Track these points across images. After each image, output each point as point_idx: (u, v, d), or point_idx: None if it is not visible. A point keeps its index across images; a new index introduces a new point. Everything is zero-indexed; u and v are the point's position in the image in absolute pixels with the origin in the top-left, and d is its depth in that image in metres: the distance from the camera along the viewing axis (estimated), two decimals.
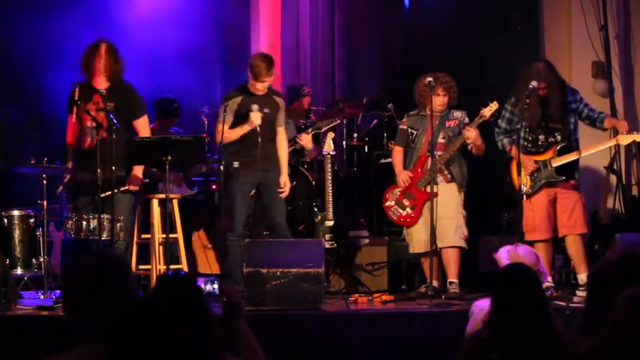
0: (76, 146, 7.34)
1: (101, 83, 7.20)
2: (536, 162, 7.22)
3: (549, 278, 7.11)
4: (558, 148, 7.23)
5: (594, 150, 7.37)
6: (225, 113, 7.34)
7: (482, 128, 7.38)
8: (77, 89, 7.19)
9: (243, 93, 7.43)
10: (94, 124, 7.13)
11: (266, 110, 7.37)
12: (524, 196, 7.18)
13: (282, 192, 7.47)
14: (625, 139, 7.32)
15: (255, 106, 7.28)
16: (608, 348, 2.70)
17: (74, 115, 7.23)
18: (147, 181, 7.60)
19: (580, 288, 7.09)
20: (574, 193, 7.27)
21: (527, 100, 7.15)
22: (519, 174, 7.13)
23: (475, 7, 9.90)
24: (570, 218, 7.21)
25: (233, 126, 7.38)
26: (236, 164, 7.38)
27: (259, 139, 7.24)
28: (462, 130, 7.38)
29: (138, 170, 7.34)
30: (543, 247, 7.18)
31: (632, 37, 9.21)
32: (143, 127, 7.36)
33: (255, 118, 7.25)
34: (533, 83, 7.12)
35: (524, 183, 7.17)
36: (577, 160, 7.34)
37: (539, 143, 7.26)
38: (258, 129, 7.23)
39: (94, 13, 10.07)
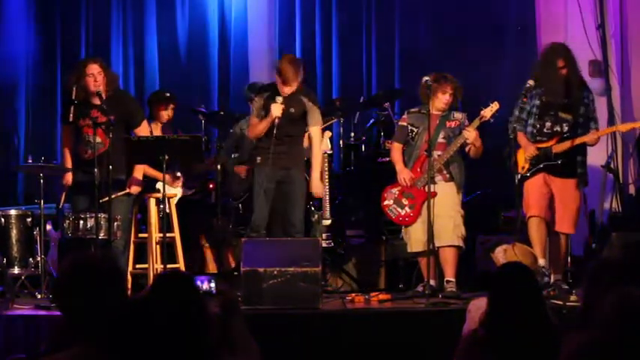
0: (75, 155, 7.39)
1: (96, 99, 7.21)
2: (538, 149, 7.19)
3: (541, 261, 7.07)
4: (562, 137, 7.19)
5: (595, 136, 7.27)
6: (255, 108, 7.40)
7: (481, 130, 7.38)
8: (75, 88, 7.20)
9: (271, 90, 7.42)
10: (97, 140, 7.13)
11: (291, 110, 7.32)
12: (520, 177, 7.20)
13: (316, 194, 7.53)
14: (624, 127, 7.36)
15: (278, 98, 7.24)
16: (604, 347, 2.71)
17: (70, 123, 7.26)
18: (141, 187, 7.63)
19: (549, 289, 7.05)
20: (573, 191, 7.24)
21: (524, 99, 7.18)
22: (522, 158, 7.21)
23: (473, 6, 9.90)
24: (563, 215, 7.21)
25: (259, 118, 7.39)
26: (258, 159, 7.36)
27: (279, 136, 7.21)
28: (462, 130, 7.37)
29: (138, 173, 7.35)
30: (536, 222, 7.16)
31: (629, 36, 9.21)
32: (144, 132, 7.42)
33: (275, 109, 7.19)
34: (530, 82, 7.14)
35: (524, 166, 7.19)
36: (583, 156, 7.30)
37: (545, 131, 7.24)
38: (276, 121, 7.19)
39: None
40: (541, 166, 7.17)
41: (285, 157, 7.33)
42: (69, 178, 7.42)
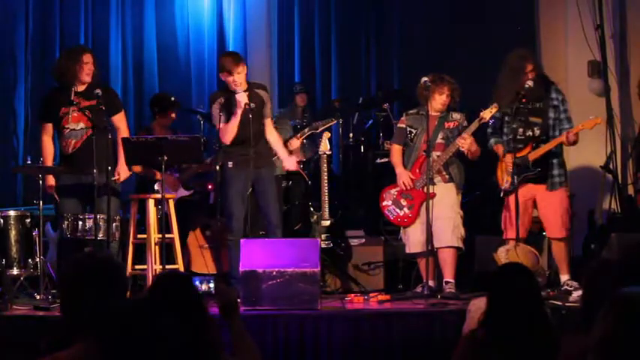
0: (58, 155, 7.44)
1: (80, 86, 7.27)
2: (516, 158, 7.20)
3: None
4: (535, 143, 7.22)
5: (564, 138, 7.12)
6: (220, 113, 7.36)
7: (478, 132, 7.38)
8: (73, 90, 7.24)
9: (225, 92, 7.43)
10: (80, 126, 7.19)
11: (252, 105, 7.34)
12: (503, 192, 7.23)
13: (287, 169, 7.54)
14: (589, 124, 7.38)
15: (239, 89, 7.26)
16: (603, 348, 2.70)
17: (51, 124, 7.32)
18: (131, 173, 7.64)
19: (562, 288, 7.11)
20: (553, 194, 7.24)
21: (524, 100, 7.18)
22: (502, 172, 7.26)
23: (472, 6, 9.90)
24: (550, 221, 7.24)
25: (227, 121, 7.38)
26: (230, 164, 7.37)
27: (247, 136, 7.21)
28: (459, 133, 7.35)
29: (122, 163, 7.40)
30: (510, 246, 7.19)
31: (628, 37, 9.22)
32: (122, 122, 7.48)
33: (242, 97, 7.22)
34: (529, 83, 7.15)
35: (506, 180, 7.21)
36: (558, 158, 7.29)
37: (518, 137, 7.25)
38: (251, 106, 7.20)
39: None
40: (520, 178, 7.17)
41: (257, 157, 7.33)
42: (51, 181, 7.43)
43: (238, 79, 7.29)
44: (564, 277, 7.21)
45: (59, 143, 7.40)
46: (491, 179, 7.47)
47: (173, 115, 8.51)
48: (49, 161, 7.45)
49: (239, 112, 7.25)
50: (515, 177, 7.13)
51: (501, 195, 7.33)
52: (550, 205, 7.22)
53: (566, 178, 7.32)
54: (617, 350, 2.63)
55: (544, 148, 7.15)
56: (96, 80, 7.34)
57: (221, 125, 7.39)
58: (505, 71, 7.36)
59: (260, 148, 7.40)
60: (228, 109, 7.32)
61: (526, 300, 3.70)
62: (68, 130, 7.29)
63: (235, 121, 7.29)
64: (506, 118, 7.31)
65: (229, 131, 7.31)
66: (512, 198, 7.19)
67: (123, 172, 7.41)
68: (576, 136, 7.15)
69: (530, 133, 7.25)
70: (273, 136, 7.58)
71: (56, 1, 10.20)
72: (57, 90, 7.39)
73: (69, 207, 7.28)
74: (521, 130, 7.26)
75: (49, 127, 7.41)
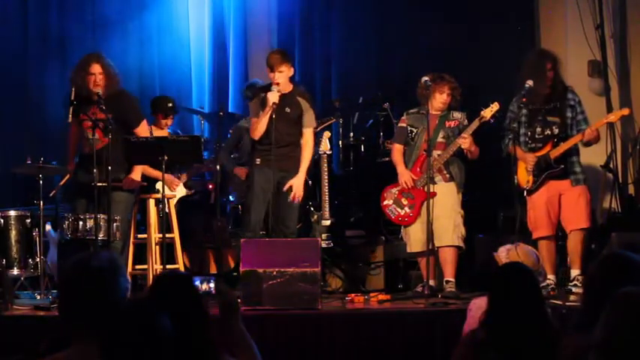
0: (77, 150, 7.43)
1: (95, 96, 7.24)
2: (537, 157, 7.23)
3: (551, 277, 7.15)
4: (555, 141, 7.24)
5: (589, 132, 7.18)
6: (256, 108, 7.35)
7: (478, 132, 7.37)
8: (73, 89, 7.22)
9: (266, 89, 7.41)
10: (96, 135, 7.19)
11: (287, 109, 7.33)
12: (526, 192, 7.24)
13: (292, 196, 7.33)
14: (615, 116, 7.45)
15: (274, 87, 7.24)
16: (605, 347, 2.70)
17: (72, 119, 7.28)
18: (145, 184, 7.59)
19: (570, 284, 7.15)
20: (576, 189, 7.27)
21: (524, 100, 7.19)
22: (523, 172, 7.27)
23: (472, 6, 9.89)
24: (573, 213, 7.24)
25: (256, 116, 7.36)
26: (258, 161, 7.36)
27: (278, 137, 7.19)
28: (460, 132, 7.36)
29: (136, 174, 7.35)
30: (546, 245, 7.24)
31: (628, 36, 9.22)
32: (144, 132, 7.43)
33: (272, 96, 7.19)
34: (529, 82, 7.16)
35: (528, 180, 7.23)
36: (577, 156, 7.32)
37: (537, 136, 7.29)
38: (274, 107, 7.15)
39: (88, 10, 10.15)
40: (544, 175, 7.20)
41: (285, 159, 7.31)
42: (65, 176, 7.45)
43: (278, 78, 7.27)
44: (575, 272, 7.22)
45: (81, 140, 7.40)
46: (512, 180, 7.38)
47: (170, 120, 8.49)
48: (70, 161, 7.49)
49: (267, 109, 7.23)
50: (539, 175, 7.16)
51: (525, 195, 7.32)
52: (574, 198, 7.26)
53: (586, 177, 7.38)
54: (618, 350, 2.63)
55: (563, 147, 7.19)
56: (111, 89, 7.26)
57: (253, 120, 7.40)
58: (528, 65, 7.36)
59: (286, 151, 7.35)
60: (263, 106, 7.31)
61: (526, 300, 3.70)
62: (85, 136, 7.29)
63: (263, 118, 7.26)
64: (523, 118, 7.32)
65: (256, 127, 7.30)
66: (536, 196, 7.22)
67: (129, 184, 7.34)
68: (596, 133, 7.21)
69: (549, 132, 7.27)
70: (306, 149, 7.46)
71: (56, 1, 10.19)
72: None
73: (81, 207, 7.28)
74: (539, 129, 7.28)
75: (73, 126, 7.41)
